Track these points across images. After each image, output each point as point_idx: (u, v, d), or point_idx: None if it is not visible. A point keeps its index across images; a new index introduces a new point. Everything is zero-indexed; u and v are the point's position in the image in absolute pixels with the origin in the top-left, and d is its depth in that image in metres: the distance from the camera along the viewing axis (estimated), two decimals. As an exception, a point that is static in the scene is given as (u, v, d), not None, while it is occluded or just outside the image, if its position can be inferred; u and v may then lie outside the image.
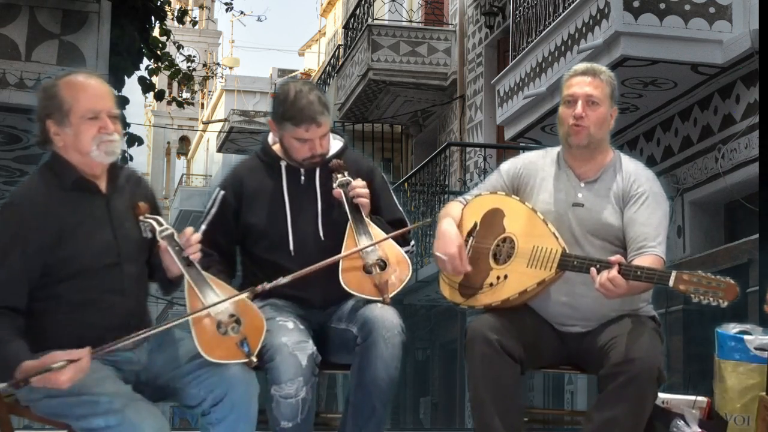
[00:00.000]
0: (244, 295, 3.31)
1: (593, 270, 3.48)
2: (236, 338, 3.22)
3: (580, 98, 3.69)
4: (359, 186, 3.68)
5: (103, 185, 3.27)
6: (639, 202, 3.70)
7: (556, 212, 3.72)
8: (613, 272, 3.43)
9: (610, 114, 3.76)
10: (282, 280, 3.44)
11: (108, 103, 3.23)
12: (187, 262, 3.25)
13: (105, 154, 3.21)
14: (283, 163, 3.78)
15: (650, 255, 3.58)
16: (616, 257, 3.49)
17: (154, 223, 3.28)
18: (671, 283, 3.42)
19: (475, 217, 3.83)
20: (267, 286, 3.41)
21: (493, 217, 3.78)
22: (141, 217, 3.29)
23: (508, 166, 3.92)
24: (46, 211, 3.14)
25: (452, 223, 3.80)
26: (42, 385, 2.96)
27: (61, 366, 2.93)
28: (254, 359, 3.23)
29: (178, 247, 3.26)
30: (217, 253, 3.70)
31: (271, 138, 3.85)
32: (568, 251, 3.61)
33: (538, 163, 3.86)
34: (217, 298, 3.24)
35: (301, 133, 3.65)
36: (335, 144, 3.81)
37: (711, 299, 3.39)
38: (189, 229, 3.32)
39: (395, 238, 3.67)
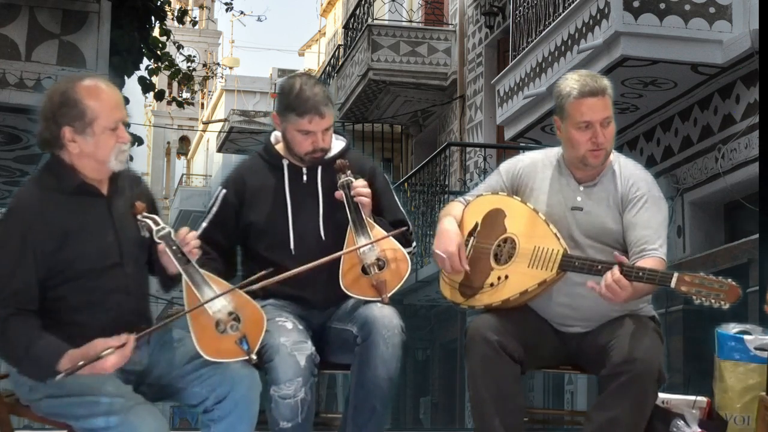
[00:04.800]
0: (239, 285, 3.33)
1: (594, 283, 3.46)
2: (235, 336, 3.22)
3: (596, 124, 3.63)
4: (361, 186, 3.68)
5: (104, 188, 3.28)
6: (638, 205, 3.68)
7: (554, 215, 3.71)
8: (617, 273, 3.42)
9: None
10: (278, 277, 3.43)
11: (124, 111, 3.26)
12: (185, 261, 3.26)
13: (120, 162, 3.25)
14: (285, 162, 3.78)
15: (652, 257, 3.57)
16: (619, 257, 3.47)
17: (151, 223, 3.29)
18: (673, 284, 3.42)
19: (476, 217, 3.82)
20: (262, 283, 3.42)
21: (495, 218, 3.78)
22: (138, 217, 3.30)
23: (508, 166, 3.91)
24: (48, 216, 3.15)
25: (453, 222, 3.80)
26: (89, 373, 3.02)
27: (109, 353, 3.01)
28: (254, 356, 3.23)
29: (176, 246, 3.27)
30: (217, 251, 3.71)
31: (273, 137, 3.85)
32: (569, 252, 3.60)
33: (538, 164, 3.84)
34: (214, 295, 3.24)
35: (304, 125, 3.66)
36: (337, 144, 3.82)
37: (713, 301, 3.38)
38: (184, 229, 3.32)
39: (397, 238, 3.68)
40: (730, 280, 3.41)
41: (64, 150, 3.21)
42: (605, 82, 3.69)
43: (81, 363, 2.99)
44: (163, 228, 3.28)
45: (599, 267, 3.50)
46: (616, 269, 3.43)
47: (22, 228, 3.12)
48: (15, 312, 3.08)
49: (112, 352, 3.02)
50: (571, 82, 3.68)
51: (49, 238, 3.13)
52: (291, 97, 3.67)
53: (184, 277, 3.26)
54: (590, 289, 3.48)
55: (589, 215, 3.71)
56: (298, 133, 3.69)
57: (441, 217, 3.89)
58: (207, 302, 3.21)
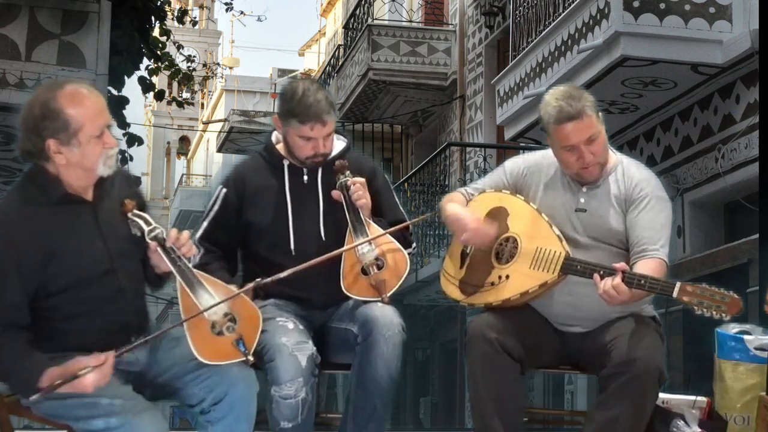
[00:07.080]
0: (241, 292, 3.30)
1: (597, 276, 3.47)
2: (232, 338, 3.20)
3: (580, 145, 3.61)
4: (358, 186, 3.67)
5: (89, 194, 3.20)
6: (641, 206, 3.68)
7: (558, 217, 3.71)
8: (617, 280, 3.42)
9: (603, 128, 3.71)
10: (280, 275, 3.44)
11: (107, 116, 3.18)
12: (176, 262, 3.21)
13: (108, 168, 3.17)
14: (285, 163, 3.78)
15: (652, 259, 3.57)
16: (621, 264, 3.47)
17: (142, 223, 3.22)
18: (675, 294, 3.41)
19: (479, 214, 3.81)
20: (264, 281, 3.42)
21: (497, 216, 3.77)
22: (129, 215, 3.23)
23: (512, 166, 3.89)
24: (33, 231, 3.08)
25: (457, 205, 3.80)
26: (68, 391, 2.97)
27: (87, 372, 2.95)
28: (251, 358, 3.22)
29: (168, 246, 3.21)
30: (219, 250, 3.71)
31: (274, 137, 3.85)
32: (571, 255, 3.59)
33: (542, 165, 3.83)
34: (209, 297, 3.21)
35: (306, 131, 3.65)
36: (338, 144, 3.82)
37: (714, 312, 3.37)
38: (174, 231, 3.26)
39: (397, 239, 3.67)
40: (731, 292, 3.40)
41: (50, 161, 3.12)
42: (583, 103, 3.61)
43: (58, 382, 2.95)
44: (155, 228, 3.22)
45: (601, 272, 3.48)
46: (618, 276, 3.42)
47: (6, 243, 3.06)
48: (2, 330, 3.03)
49: (91, 370, 2.95)
50: (549, 108, 3.63)
51: (36, 252, 3.07)
52: (293, 103, 3.66)
53: (178, 278, 3.21)
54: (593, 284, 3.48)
55: (593, 216, 3.70)
56: (300, 138, 3.68)
57: (443, 204, 3.87)
58: (206, 310, 3.17)
